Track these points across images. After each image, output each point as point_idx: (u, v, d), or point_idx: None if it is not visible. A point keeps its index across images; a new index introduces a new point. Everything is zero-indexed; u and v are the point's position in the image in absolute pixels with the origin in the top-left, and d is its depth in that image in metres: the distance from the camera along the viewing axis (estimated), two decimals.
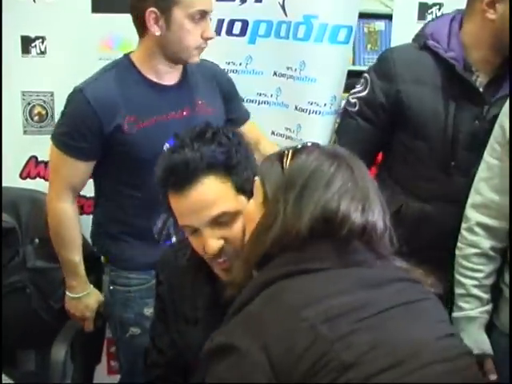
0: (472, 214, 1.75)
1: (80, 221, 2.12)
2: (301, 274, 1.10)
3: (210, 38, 1.93)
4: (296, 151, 1.21)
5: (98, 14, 2.37)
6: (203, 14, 1.88)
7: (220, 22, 2.37)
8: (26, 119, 2.43)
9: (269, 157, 1.26)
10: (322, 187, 1.14)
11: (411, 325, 1.08)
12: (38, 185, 2.41)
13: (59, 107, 2.39)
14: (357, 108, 2.00)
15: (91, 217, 2.47)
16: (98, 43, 2.40)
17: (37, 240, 2.21)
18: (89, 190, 2.46)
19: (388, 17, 2.64)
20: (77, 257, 2.04)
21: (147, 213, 2.00)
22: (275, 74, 2.34)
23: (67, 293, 2.10)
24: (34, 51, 2.38)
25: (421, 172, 1.92)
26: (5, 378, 1.83)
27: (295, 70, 2.26)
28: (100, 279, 2.28)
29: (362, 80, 2.01)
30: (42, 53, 2.39)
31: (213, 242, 1.33)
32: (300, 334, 1.01)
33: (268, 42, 2.34)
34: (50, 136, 2.38)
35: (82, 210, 2.49)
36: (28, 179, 2.45)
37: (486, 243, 1.73)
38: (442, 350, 1.06)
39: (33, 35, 2.38)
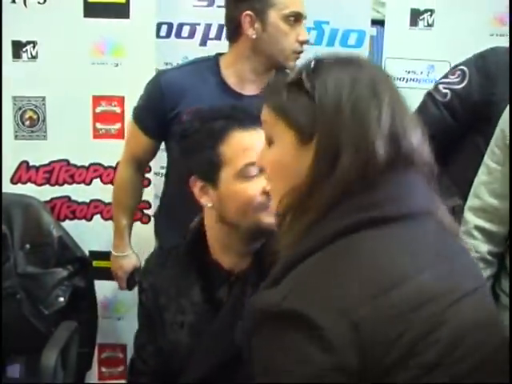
0: (470, 218, 1.74)
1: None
2: (373, 227, 0.93)
3: (306, 42, 1.92)
4: (310, 72, 0.99)
5: (90, 18, 2.37)
6: (298, 17, 1.88)
7: (220, 26, 2.37)
8: (18, 124, 2.42)
9: (272, 89, 1.06)
10: (373, 106, 0.95)
11: (482, 314, 0.97)
12: (30, 190, 2.40)
13: (51, 112, 2.42)
14: (447, 99, 1.94)
15: (83, 221, 2.49)
16: (90, 48, 2.39)
17: (28, 245, 2.19)
18: (82, 195, 2.48)
19: (380, 22, 2.65)
20: (124, 220, 2.17)
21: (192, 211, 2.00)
22: None
23: (111, 250, 2.25)
24: (25, 56, 2.38)
25: None
26: None
27: None
28: (88, 282, 2.29)
29: (459, 72, 1.94)
30: (34, 57, 2.38)
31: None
32: (391, 319, 0.87)
33: None
34: (41, 141, 2.42)
35: (73, 215, 2.49)
36: (19, 184, 2.43)
37: (484, 247, 1.72)
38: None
39: (24, 40, 2.37)
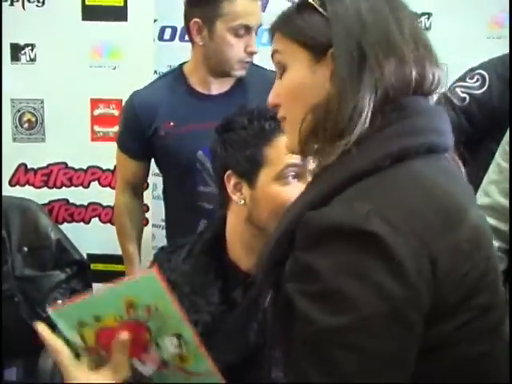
0: None
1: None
2: (421, 155, 0.89)
3: (254, 53, 1.89)
4: None
5: (88, 21, 2.38)
6: (247, 29, 1.85)
7: None
8: (16, 126, 2.42)
9: (282, 17, 1.02)
10: (392, 17, 0.93)
11: None
12: (28, 192, 2.41)
13: (49, 114, 2.42)
14: (465, 104, 1.91)
15: (81, 224, 2.49)
16: (88, 51, 2.40)
17: (25, 248, 2.20)
18: (80, 197, 2.48)
19: None
20: (130, 246, 2.15)
21: (188, 217, 2.01)
22: None
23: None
24: (23, 58, 2.38)
25: None
26: None
27: None
28: (86, 285, 2.28)
29: (478, 76, 1.92)
30: (32, 60, 2.39)
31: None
32: (463, 255, 0.85)
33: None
34: (39, 143, 2.42)
35: (71, 218, 2.50)
36: (17, 186, 2.44)
37: (494, 243, 1.71)
38: None
39: (22, 43, 2.38)
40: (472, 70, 1.97)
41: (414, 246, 0.81)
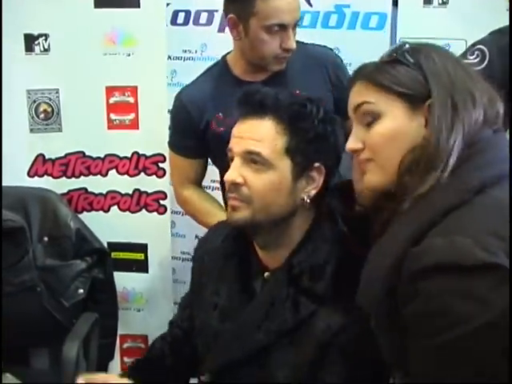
0: None
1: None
2: (503, 182, 1.05)
3: (291, 50, 1.87)
4: (408, 51, 1.14)
5: (100, 8, 2.35)
6: (282, 26, 1.83)
7: None
8: (32, 117, 2.42)
9: (368, 69, 1.17)
10: (470, 73, 1.13)
11: None
12: (46, 183, 2.42)
13: (65, 104, 2.42)
14: None
15: (100, 213, 2.49)
16: (101, 38, 2.38)
17: (46, 238, 2.20)
18: (98, 186, 2.48)
19: (393, 2, 2.61)
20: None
21: None
22: None
23: None
24: (37, 49, 2.37)
25: None
26: (12, 379, 1.82)
27: None
28: (107, 274, 2.29)
29: (478, 52, 1.88)
30: (46, 50, 2.38)
31: (233, 172, 1.31)
32: None
33: None
34: (56, 133, 2.42)
35: (90, 207, 2.50)
36: (36, 177, 2.44)
37: None
38: None
39: (36, 33, 2.36)
40: (473, 45, 1.93)
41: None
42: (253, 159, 1.30)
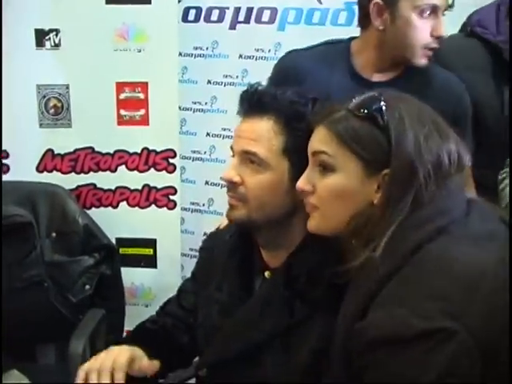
0: None
1: None
2: (441, 235, 1.05)
3: (441, 37, 1.71)
4: (380, 108, 1.12)
5: (111, 4, 2.35)
6: (434, 9, 1.67)
7: (249, 9, 2.41)
8: (42, 112, 2.42)
9: (336, 117, 1.15)
10: (439, 137, 1.11)
11: None
12: (55, 178, 2.41)
13: (75, 100, 2.42)
14: None
15: (109, 209, 2.49)
16: (112, 34, 2.38)
17: (54, 234, 2.20)
18: (107, 182, 2.48)
19: None
20: None
21: None
22: None
23: None
24: (48, 44, 2.37)
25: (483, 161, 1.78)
26: (19, 375, 1.83)
27: None
28: (114, 270, 2.29)
29: None
30: (57, 45, 2.38)
31: (230, 171, 1.33)
32: (496, 316, 0.97)
33: (298, 29, 2.35)
34: (65, 129, 2.42)
35: (99, 203, 2.50)
36: (45, 172, 2.44)
37: None
38: None
39: (46, 28, 2.36)
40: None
41: (450, 322, 0.96)
42: (250, 159, 1.30)
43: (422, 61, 1.74)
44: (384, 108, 1.11)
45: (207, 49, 2.49)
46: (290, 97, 1.32)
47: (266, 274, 1.39)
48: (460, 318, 0.95)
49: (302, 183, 1.19)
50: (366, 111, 1.11)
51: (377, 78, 1.79)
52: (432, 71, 1.79)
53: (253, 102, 1.32)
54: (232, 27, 2.45)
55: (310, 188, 1.17)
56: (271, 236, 1.35)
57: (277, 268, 1.36)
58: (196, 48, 2.49)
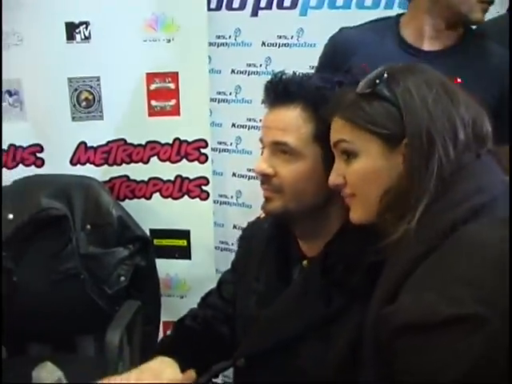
0: None
1: None
2: (477, 215, 1.01)
3: None
4: (385, 82, 1.11)
5: None
6: None
7: None
8: (74, 105, 2.43)
9: (345, 104, 1.15)
10: (451, 102, 1.08)
11: None
12: (88, 171, 2.42)
13: (106, 92, 2.42)
14: None
15: (142, 200, 2.50)
16: (141, 25, 2.37)
17: (88, 226, 2.21)
18: (140, 173, 2.48)
19: None
20: None
21: None
22: None
23: None
24: (78, 37, 2.37)
25: None
26: (52, 367, 1.85)
27: None
28: (149, 261, 2.29)
29: None
30: (87, 38, 2.38)
31: (262, 164, 1.31)
32: None
33: (321, 13, 2.27)
34: (97, 121, 2.42)
35: (132, 194, 2.50)
36: (78, 165, 2.45)
37: None
38: None
39: (77, 21, 2.36)
40: None
41: (484, 309, 0.90)
42: (281, 149, 1.28)
43: (479, 15, 1.67)
44: (388, 81, 1.10)
45: (230, 37, 2.44)
46: (316, 82, 1.30)
47: (304, 263, 1.37)
48: (493, 306, 0.90)
49: (332, 178, 1.18)
50: (371, 89, 1.11)
51: (428, 46, 1.75)
52: (490, 46, 1.74)
53: (278, 92, 1.30)
54: (254, 14, 2.38)
55: (341, 180, 1.16)
56: (308, 226, 1.34)
57: (314, 257, 1.34)
58: (219, 37, 2.43)
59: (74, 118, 2.43)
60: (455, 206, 1.03)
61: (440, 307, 0.92)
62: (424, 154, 1.05)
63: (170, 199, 2.50)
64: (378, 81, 1.11)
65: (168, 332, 2.56)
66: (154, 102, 2.43)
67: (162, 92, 2.42)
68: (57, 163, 2.41)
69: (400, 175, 1.08)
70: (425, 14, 1.72)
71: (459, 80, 1.67)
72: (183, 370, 1.38)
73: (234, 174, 2.53)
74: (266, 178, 1.31)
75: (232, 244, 2.51)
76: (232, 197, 2.55)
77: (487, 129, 1.10)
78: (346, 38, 1.82)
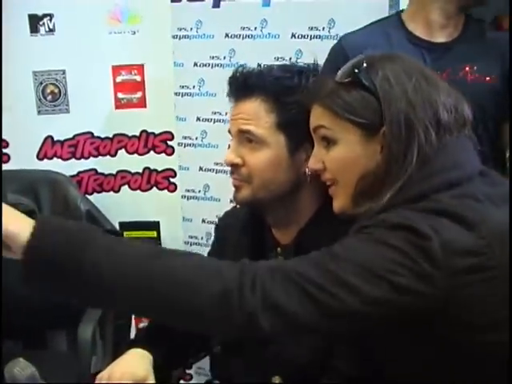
0: None
1: None
2: (452, 189, 1.04)
3: None
4: (363, 70, 1.11)
5: None
6: None
7: None
8: (40, 99, 2.41)
9: (324, 92, 1.15)
10: (431, 89, 1.09)
11: None
12: (56, 165, 2.40)
13: (72, 85, 2.40)
14: None
15: (110, 193, 2.49)
16: (105, 17, 2.36)
17: None
18: (108, 166, 2.47)
19: None
20: None
21: None
22: (293, 36, 2.23)
23: None
24: (42, 29, 2.35)
25: None
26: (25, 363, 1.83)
27: (323, 28, 2.18)
28: None
29: None
30: (51, 31, 2.36)
31: (230, 154, 1.35)
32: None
33: (284, 4, 2.24)
34: (64, 115, 2.40)
35: (100, 188, 2.49)
36: (45, 160, 2.43)
37: None
38: None
39: (40, 13, 2.34)
40: None
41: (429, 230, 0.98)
42: (247, 138, 1.32)
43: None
44: (367, 70, 1.11)
45: (191, 29, 2.38)
46: (276, 73, 1.34)
47: (278, 250, 1.39)
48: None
49: (312, 163, 1.19)
50: (350, 78, 1.12)
51: (438, 38, 1.76)
52: (495, 34, 1.80)
53: (239, 85, 1.34)
54: (216, 5, 2.33)
55: (320, 166, 1.17)
56: (279, 213, 1.36)
57: (287, 244, 1.37)
58: (180, 29, 2.38)
59: (39, 112, 2.42)
60: (432, 176, 1.05)
61: (392, 219, 1.01)
62: (402, 142, 1.06)
63: (138, 191, 2.50)
64: (356, 70, 1.11)
65: (140, 325, 2.58)
66: (120, 95, 2.43)
67: (129, 84, 2.41)
68: (23, 158, 2.39)
69: (377, 163, 1.09)
70: (432, 4, 1.73)
71: (475, 68, 1.72)
72: (158, 362, 1.38)
73: (200, 169, 2.50)
74: (234, 168, 1.34)
75: (202, 238, 2.51)
76: (200, 191, 2.52)
77: (467, 114, 1.12)
78: (354, 42, 1.79)
